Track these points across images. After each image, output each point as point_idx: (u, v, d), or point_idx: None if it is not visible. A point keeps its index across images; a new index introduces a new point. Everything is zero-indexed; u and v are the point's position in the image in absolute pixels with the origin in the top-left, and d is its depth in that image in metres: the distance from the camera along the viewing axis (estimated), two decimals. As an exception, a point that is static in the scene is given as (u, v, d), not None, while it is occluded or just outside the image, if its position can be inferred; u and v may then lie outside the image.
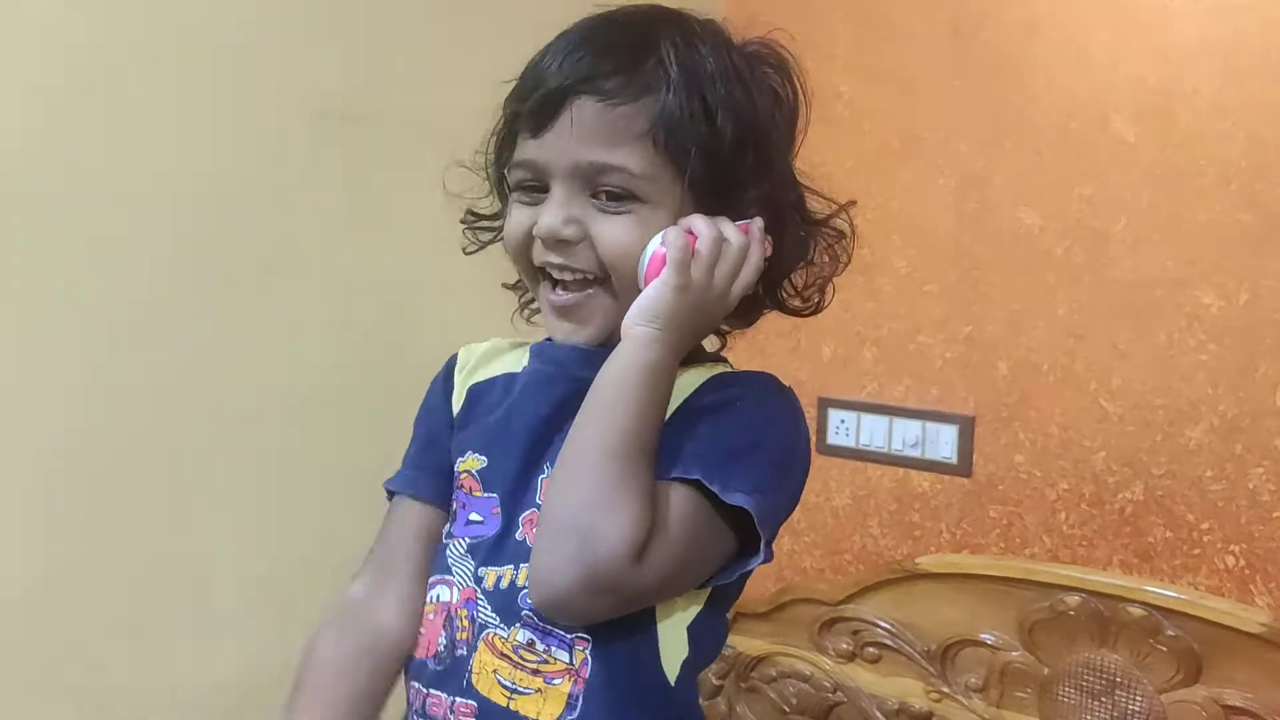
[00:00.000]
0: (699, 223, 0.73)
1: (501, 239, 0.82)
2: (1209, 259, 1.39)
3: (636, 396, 0.69)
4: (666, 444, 0.72)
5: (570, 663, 0.72)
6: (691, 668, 0.75)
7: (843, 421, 1.71)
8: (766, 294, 0.82)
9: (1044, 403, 1.53)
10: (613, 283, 0.75)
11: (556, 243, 0.74)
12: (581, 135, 0.72)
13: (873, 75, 1.67)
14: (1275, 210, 1.34)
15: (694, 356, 0.79)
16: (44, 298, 1.09)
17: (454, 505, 0.81)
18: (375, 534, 1.37)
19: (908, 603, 1.43)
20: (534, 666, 0.72)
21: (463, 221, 0.88)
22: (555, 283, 0.77)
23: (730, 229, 0.73)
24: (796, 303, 0.84)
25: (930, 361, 1.63)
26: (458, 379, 0.88)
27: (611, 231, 0.73)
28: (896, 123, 1.64)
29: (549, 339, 0.83)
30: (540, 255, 0.76)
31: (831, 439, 1.72)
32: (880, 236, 1.66)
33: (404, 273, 1.39)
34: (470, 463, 0.80)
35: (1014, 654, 1.36)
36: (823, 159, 0.83)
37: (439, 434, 0.86)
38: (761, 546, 0.71)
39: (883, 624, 1.45)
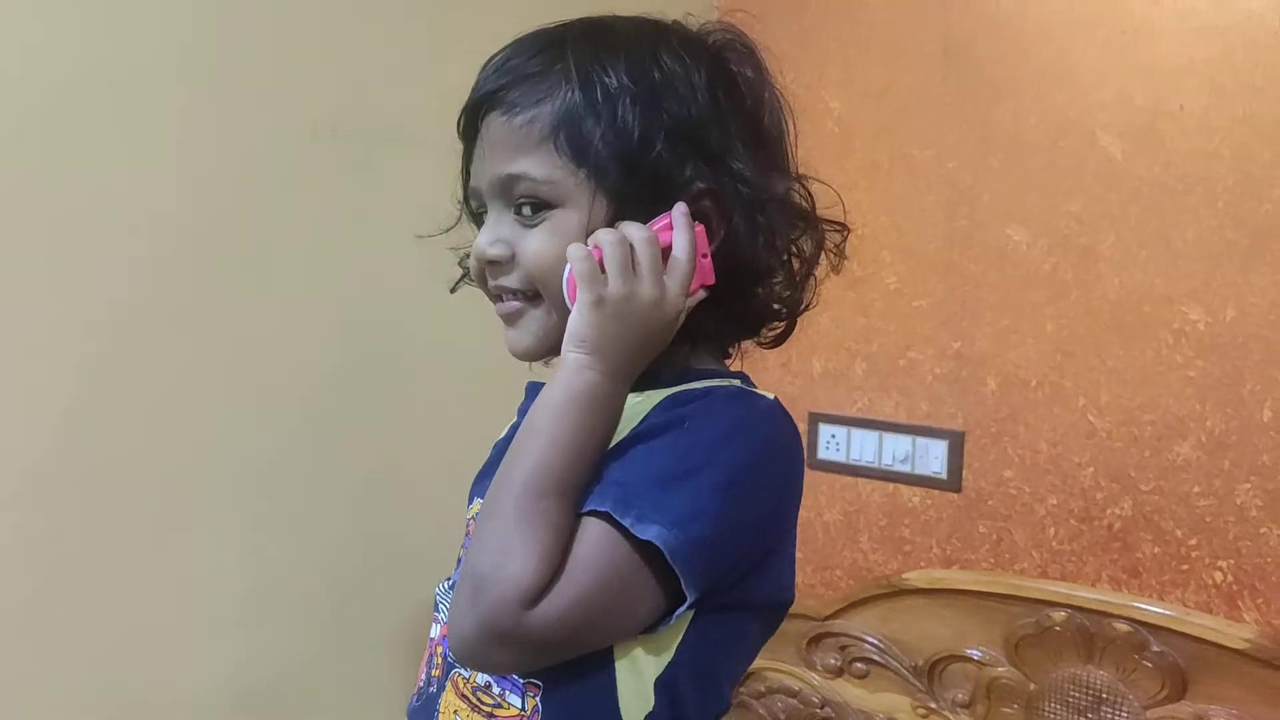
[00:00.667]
0: (601, 234, 0.68)
1: None
2: (1196, 276, 1.39)
3: (558, 426, 0.65)
4: (599, 468, 0.67)
5: (522, 709, 0.68)
6: None
7: (833, 437, 1.72)
8: (740, 294, 0.75)
9: (1033, 418, 1.53)
10: (542, 294, 0.72)
11: (489, 264, 0.73)
12: (492, 150, 0.72)
13: (863, 93, 1.68)
14: (1261, 227, 1.34)
15: (686, 374, 0.74)
16: (39, 308, 1.11)
17: (460, 554, 0.81)
18: (367, 543, 1.39)
19: (895, 618, 1.44)
20: (489, 710, 0.70)
21: (461, 264, 0.85)
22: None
23: (634, 229, 0.68)
24: (780, 306, 0.77)
25: (920, 377, 1.64)
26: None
27: (531, 246, 0.71)
28: (886, 140, 1.66)
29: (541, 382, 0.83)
30: (484, 281, 0.75)
31: (822, 454, 1.73)
32: (870, 252, 1.67)
33: (396, 288, 1.40)
34: (475, 509, 0.80)
35: (1000, 669, 1.36)
36: (813, 175, 0.82)
37: None
38: (684, 588, 0.64)
39: (870, 639, 1.46)
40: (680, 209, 0.70)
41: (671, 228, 0.69)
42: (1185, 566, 1.41)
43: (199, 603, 1.24)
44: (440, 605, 0.79)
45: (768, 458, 0.71)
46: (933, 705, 1.42)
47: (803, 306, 0.78)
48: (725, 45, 0.76)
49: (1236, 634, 1.21)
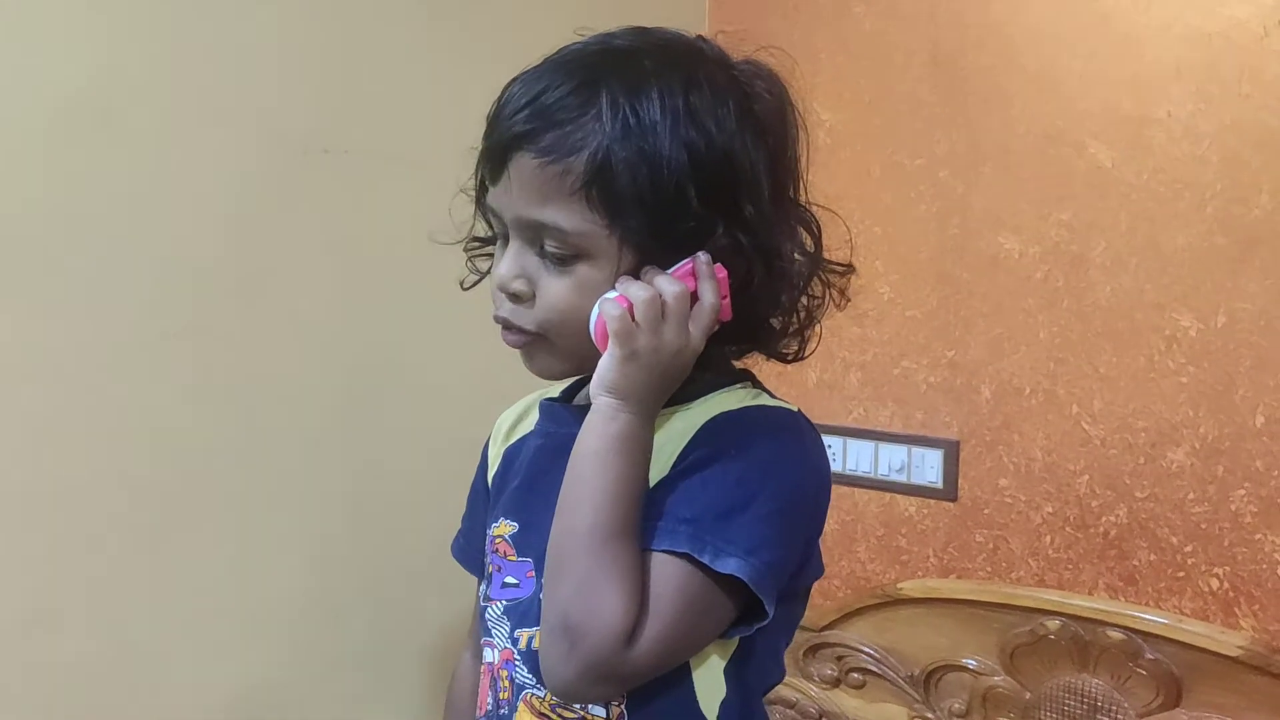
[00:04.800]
0: (632, 287, 0.71)
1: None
2: (1186, 282, 1.39)
3: (607, 474, 0.69)
4: (658, 505, 0.71)
5: (607, 716, 0.74)
6: (735, 705, 0.76)
7: (829, 447, 1.71)
8: (745, 334, 0.79)
9: (1027, 426, 1.53)
10: (552, 338, 0.76)
11: (510, 294, 0.75)
12: (521, 191, 0.72)
13: (854, 103, 1.68)
14: (1250, 233, 1.34)
15: (704, 385, 0.78)
16: (35, 325, 1.12)
17: (489, 567, 0.84)
18: (367, 563, 1.40)
19: (891, 628, 1.44)
20: None
21: (466, 249, 0.87)
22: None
23: (665, 282, 0.71)
24: (786, 343, 0.82)
25: (914, 386, 1.64)
26: (492, 450, 0.93)
27: (552, 292, 0.74)
28: (877, 150, 1.66)
29: (554, 398, 0.87)
30: (498, 306, 0.77)
31: (818, 464, 1.73)
32: (863, 262, 1.65)
33: (386, 305, 1.41)
34: (503, 528, 0.83)
35: (996, 679, 1.36)
36: (820, 202, 0.83)
37: (479, 513, 0.92)
38: (766, 607, 0.71)
39: (866, 649, 1.46)
40: (704, 258, 0.72)
41: (694, 274, 0.72)
42: (1181, 574, 1.41)
43: (195, 619, 1.24)
44: (494, 631, 0.81)
45: (805, 472, 0.77)
46: (929, 715, 1.41)
47: (810, 328, 0.82)
48: (752, 75, 0.77)
49: (1231, 641, 1.20)
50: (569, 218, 0.71)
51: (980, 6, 1.55)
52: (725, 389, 0.80)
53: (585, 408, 0.78)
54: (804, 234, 0.79)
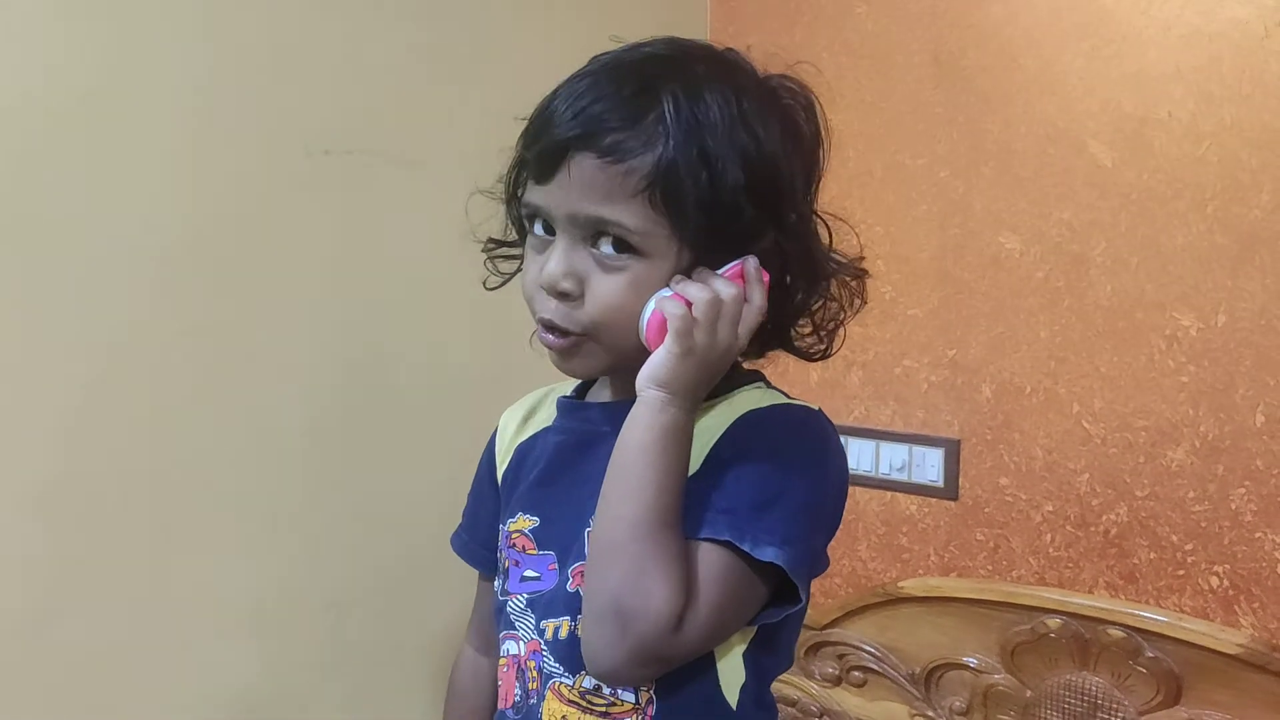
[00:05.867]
0: (691, 288, 0.73)
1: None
2: (1186, 281, 1.40)
3: (655, 465, 0.72)
4: (696, 497, 0.74)
5: (636, 702, 0.77)
6: (752, 690, 0.80)
7: (830, 446, 1.72)
8: (776, 336, 0.83)
9: (1028, 425, 1.54)
10: (602, 337, 0.77)
11: (557, 293, 0.76)
12: (580, 189, 0.73)
13: (855, 104, 1.69)
14: (1250, 232, 1.35)
15: (726, 383, 0.80)
16: (37, 325, 1.12)
17: (505, 563, 0.86)
18: (367, 560, 1.40)
19: (892, 626, 1.44)
20: (603, 709, 0.78)
21: (484, 250, 0.88)
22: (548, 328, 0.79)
23: (722, 284, 0.74)
24: (810, 344, 0.86)
25: (916, 385, 1.65)
26: (500, 447, 0.95)
27: (606, 288, 0.75)
28: (879, 150, 1.67)
29: (569, 395, 0.89)
30: (541, 307, 0.77)
31: (820, 463, 1.73)
32: (865, 262, 1.67)
33: (394, 308, 1.41)
34: (521, 523, 0.86)
35: (997, 676, 1.36)
36: (835, 212, 0.85)
37: (484, 507, 0.94)
38: (800, 593, 0.74)
39: (868, 648, 1.46)
40: (753, 262, 0.76)
41: (742, 276, 0.75)
42: (1181, 572, 1.41)
43: (198, 620, 1.25)
44: (517, 624, 0.84)
45: (830, 469, 0.81)
46: (930, 713, 1.42)
47: (837, 330, 0.86)
48: (785, 90, 0.80)
49: (1230, 639, 1.21)
50: (631, 216, 0.73)
51: (981, 7, 1.56)
52: (745, 387, 0.83)
53: (607, 404, 0.84)
54: (824, 240, 0.83)
